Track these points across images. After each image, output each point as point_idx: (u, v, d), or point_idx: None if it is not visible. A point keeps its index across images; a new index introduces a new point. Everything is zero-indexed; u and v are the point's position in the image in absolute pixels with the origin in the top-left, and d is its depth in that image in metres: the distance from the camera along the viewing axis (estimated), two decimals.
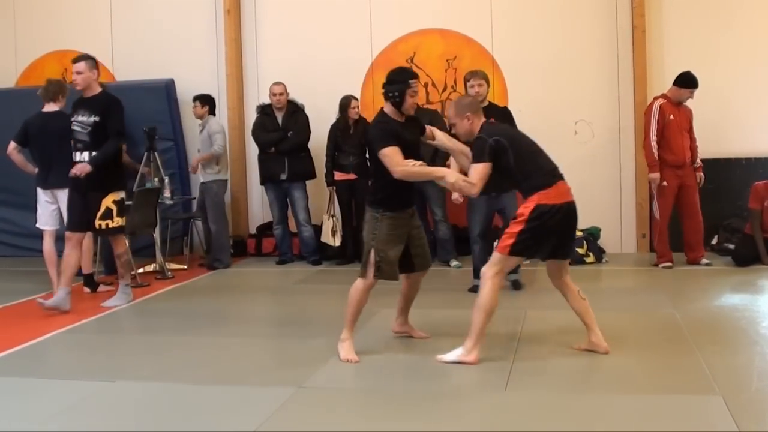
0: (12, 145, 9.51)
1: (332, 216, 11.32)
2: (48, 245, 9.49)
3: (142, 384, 6.04)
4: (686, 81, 10.25)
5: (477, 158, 6.28)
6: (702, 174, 10.44)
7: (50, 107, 9.49)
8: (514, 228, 6.24)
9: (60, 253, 9.47)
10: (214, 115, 11.42)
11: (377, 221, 6.49)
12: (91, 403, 5.68)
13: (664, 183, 10.32)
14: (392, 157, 6.32)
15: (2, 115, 12.17)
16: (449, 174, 6.40)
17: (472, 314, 6.25)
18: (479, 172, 6.23)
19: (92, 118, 8.63)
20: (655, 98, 10.47)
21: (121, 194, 8.90)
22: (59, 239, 9.45)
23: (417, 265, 6.82)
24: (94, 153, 8.58)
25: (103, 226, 8.77)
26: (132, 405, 5.62)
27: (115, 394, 5.86)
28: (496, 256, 6.31)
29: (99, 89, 8.82)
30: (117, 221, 8.80)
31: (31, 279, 10.50)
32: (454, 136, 6.82)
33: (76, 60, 8.78)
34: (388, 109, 6.52)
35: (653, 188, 10.45)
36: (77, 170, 8.51)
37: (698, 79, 10.18)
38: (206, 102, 11.31)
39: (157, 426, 5.16)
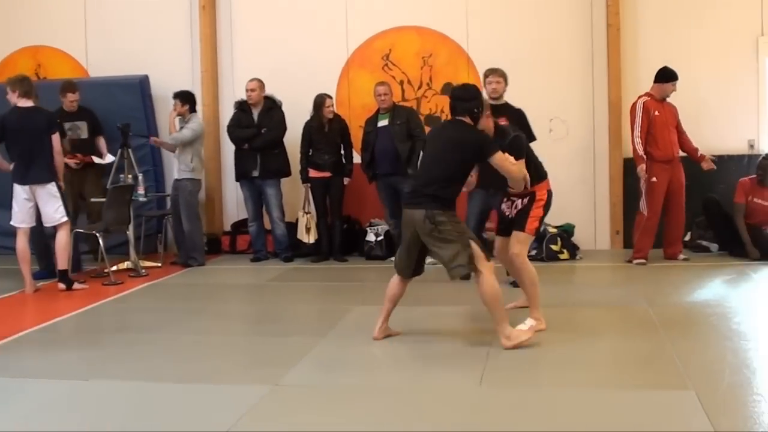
0: None
1: (307, 213, 11.32)
2: (22, 243, 9.43)
3: (116, 383, 6.01)
4: (667, 75, 10.42)
5: (519, 154, 6.91)
6: (710, 162, 10.67)
7: (25, 103, 9.44)
8: (538, 212, 7.12)
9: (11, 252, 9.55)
10: (194, 111, 11.27)
11: (455, 219, 6.58)
12: (64, 402, 5.65)
13: (654, 179, 10.38)
14: (506, 158, 6.70)
15: None
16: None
17: (526, 291, 7.11)
18: (522, 167, 6.89)
19: None
20: (639, 97, 10.57)
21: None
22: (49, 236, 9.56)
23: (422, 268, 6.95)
24: None
25: None
26: (106, 404, 5.59)
27: (88, 393, 5.82)
28: (525, 236, 7.14)
29: None
30: None
31: (3, 276, 10.43)
32: None
33: None
34: (468, 120, 6.71)
35: (642, 185, 10.49)
36: None
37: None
38: (187, 100, 11.14)
39: (131, 425, 5.13)
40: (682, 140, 10.57)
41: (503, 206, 7.32)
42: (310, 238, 11.32)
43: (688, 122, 10.66)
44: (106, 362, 6.63)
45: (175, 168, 11.12)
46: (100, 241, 10.19)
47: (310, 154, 11.16)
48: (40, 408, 5.49)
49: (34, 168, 9.35)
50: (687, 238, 11.06)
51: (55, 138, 9.55)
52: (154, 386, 5.89)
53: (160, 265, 11.07)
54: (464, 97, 6.75)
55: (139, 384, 5.96)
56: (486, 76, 9.38)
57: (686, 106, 10.70)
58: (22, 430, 5.09)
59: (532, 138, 9.18)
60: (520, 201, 7.17)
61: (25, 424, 5.17)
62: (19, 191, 9.39)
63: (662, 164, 10.42)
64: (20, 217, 9.43)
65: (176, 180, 11.11)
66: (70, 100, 11.09)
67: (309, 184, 11.24)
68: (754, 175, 10.54)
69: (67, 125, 11.05)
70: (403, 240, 6.82)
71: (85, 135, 11.15)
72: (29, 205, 9.40)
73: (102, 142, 11.38)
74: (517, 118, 9.05)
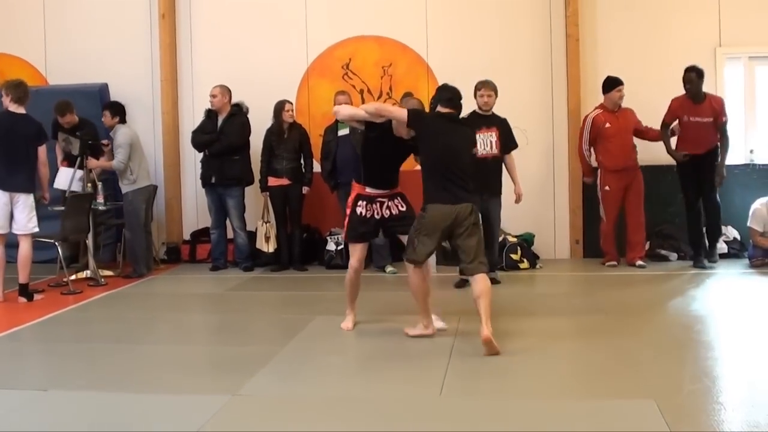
0: None
1: (266, 222, 11.28)
2: None
3: (75, 393, 5.97)
4: (610, 83, 10.71)
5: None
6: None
7: (17, 108, 9.39)
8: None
9: (10, 259, 9.47)
10: (124, 122, 11.09)
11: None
12: (22, 412, 5.59)
13: (607, 188, 10.71)
14: None
15: None
16: None
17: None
18: None
19: None
20: (594, 109, 10.86)
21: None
22: (8, 245, 9.46)
23: None
24: None
25: None
26: (64, 414, 5.54)
27: (47, 404, 5.77)
28: None
29: None
30: None
31: None
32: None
33: None
34: None
35: (599, 193, 10.82)
36: None
37: (621, 79, 10.67)
38: (116, 112, 10.96)
39: None
40: (647, 135, 10.80)
41: (364, 208, 7.41)
42: (269, 248, 11.28)
43: None
44: (64, 372, 6.57)
45: (120, 181, 10.98)
46: (59, 249, 10.10)
47: (270, 161, 11.12)
48: None
49: (18, 175, 9.30)
50: (646, 247, 11.13)
51: (42, 149, 9.53)
52: (113, 396, 5.85)
53: (120, 273, 10.96)
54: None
55: (98, 394, 5.91)
56: (477, 89, 9.67)
57: (644, 116, 10.80)
58: None
59: (516, 145, 9.87)
60: (391, 203, 7.44)
61: None
62: (0, 195, 9.27)
63: (616, 173, 10.67)
64: (0, 223, 9.32)
65: (123, 193, 10.99)
66: (66, 121, 11.00)
67: (268, 193, 11.20)
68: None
69: (62, 135, 11.00)
70: (432, 232, 6.91)
71: (75, 152, 11.00)
72: (7, 210, 9.30)
73: (93, 162, 10.89)
74: (503, 127, 9.74)
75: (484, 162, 9.44)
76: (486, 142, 9.54)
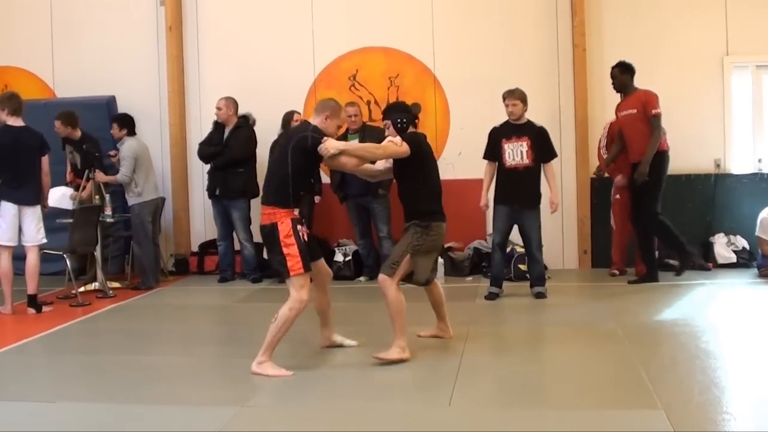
0: None
1: None
2: (6, 262, 9.38)
3: (83, 405, 5.98)
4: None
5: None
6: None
7: (15, 121, 9.45)
8: None
9: (18, 271, 9.51)
10: (133, 135, 11.13)
11: None
12: (30, 424, 5.60)
13: (617, 196, 10.81)
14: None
15: None
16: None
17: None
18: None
19: None
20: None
21: None
22: (16, 257, 9.52)
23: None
24: None
25: None
26: (72, 426, 5.53)
27: (55, 416, 5.77)
28: None
29: None
30: None
31: None
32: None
33: None
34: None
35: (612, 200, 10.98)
36: None
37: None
38: (124, 124, 11.02)
39: None
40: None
41: (303, 233, 6.72)
42: None
43: None
44: (72, 384, 6.58)
45: (126, 193, 11.02)
46: (68, 261, 10.12)
47: None
48: (7, 430, 5.43)
49: (25, 189, 9.39)
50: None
51: (45, 159, 9.62)
52: (122, 408, 5.85)
53: (128, 285, 10.96)
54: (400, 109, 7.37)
55: (106, 406, 5.92)
56: (504, 98, 9.58)
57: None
58: None
59: (553, 155, 9.65)
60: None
61: None
62: (9, 208, 9.33)
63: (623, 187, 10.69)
64: (8, 235, 9.34)
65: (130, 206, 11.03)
66: (71, 134, 11.02)
67: None
68: None
69: (69, 148, 11.17)
70: (435, 250, 7.16)
71: (79, 165, 11.08)
72: (16, 222, 9.36)
73: (99, 176, 10.92)
74: (536, 136, 9.49)
75: (514, 172, 9.41)
76: (516, 152, 9.43)
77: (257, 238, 11.36)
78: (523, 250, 10.79)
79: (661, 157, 9.98)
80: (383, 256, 10.78)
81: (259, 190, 11.31)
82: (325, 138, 6.63)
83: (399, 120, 7.14)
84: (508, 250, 10.77)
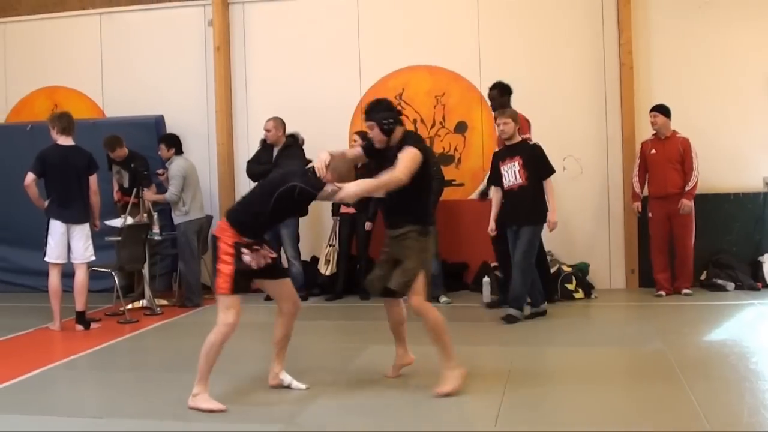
0: (31, 176, 9.44)
1: (330, 245, 11.36)
2: (55, 279, 9.49)
3: (130, 421, 6.02)
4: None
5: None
6: (685, 201, 10.57)
7: (66, 141, 9.56)
8: None
9: (66, 288, 9.57)
10: (181, 153, 11.28)
11: None
12: None
13: (650, 214, 10.84)
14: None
15: None
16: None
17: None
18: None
19: None
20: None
21: None
22: (64, 275, 9.58)
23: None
24: None
25: None
26: None
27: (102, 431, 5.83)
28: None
29: None
30: None
31: (22, 314, 10.52)
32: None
33: None
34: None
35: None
36: None
37: (659, 105, 10.73)
38: (171, 144, 11.16)
39: None
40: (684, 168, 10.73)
41: (249, 257, 6.38)
42: (327, 271, 11.34)
43: (701, 160, 10.64)
44: (120, 400, 6.63)
45: (173, 212, 11.13)
46: (116, 279, 10.22)
47: None
48: None
49: (73, 207, 9.51)
50: (703, 276, 11.04)
51: (93, 178, 9.73)
52: (168, 425, 5.90)
53: (175, 303, 11.03)
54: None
55: (153, 422, 5.97)
56: (495, 119, 9.60)
57: (700, 144, 10.73)
58: None
59: (550, 171, 9.46)
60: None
61: None
62: (58, 226, 9.45)
63: (658, 200, 10.77)
64: (56, 253, 9.47)
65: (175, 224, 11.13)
66: (117, 155, 11.19)
67: (338, 218, 11.30)
68: None
69: (115, 168, 11.38)
70: (433, 253, 6.81)
71: (126, 184, 11.24)
72: (64, 240, 9.47)
73: (148, 195, 11.03)
74: (529, 155, 9.34)
75: (510, 192, 9.45)
76: (510, 173, 9.41)
77: (305, 255, 11.47)
78: (569, 269, 10.78)
79: None
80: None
81: (308, 208, 11.41)
82: (337, 187, 6.27)
83: (386, 121, 6.54)
84: (555, 269, 10.74)
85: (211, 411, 6.08)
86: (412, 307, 6.48)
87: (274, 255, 6.66)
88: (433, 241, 6.72)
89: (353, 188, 6.29)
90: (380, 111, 6.60)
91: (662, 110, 10.70)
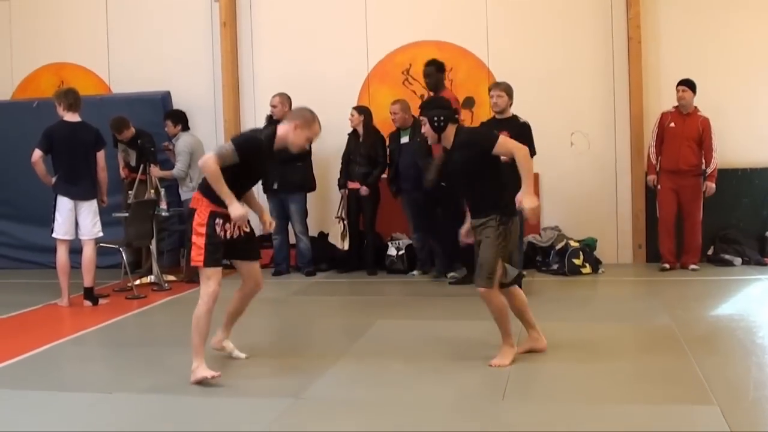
0: (38, 153, 9.41)
1: (342, 219, 11.35)
2: (63, 255, 9.50)
3: (139, 396, 6.04)
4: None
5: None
6: (709, 184, 10.63)
7: (73, 117, 9.53)
8: None
9: (74, 264, 9.60)
10: (188, 129, 11.35)
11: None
12: (88, 415, 5.67)
13: (659, 187, 10.80)
14: None
15: None
16: None
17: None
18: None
19: None
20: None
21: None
22: (72, 251, 9.61)
23: None
24: None
25: None
26: (128, 417, 5.61)
27: (112, 406, 5.85)
28: None
29: None
30: None
31: (29, 291, 10.54)
32: None
33: None
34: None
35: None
36: None
37: (687, 80, 10.67)
38: (178, 120, 11.23)
39: None
40: (705, 156, 10.71)
41: (220, 227, 6.45)
42: (344, 245, 11.33)
43: None
44: (129, 376, 6.65)
45: (180, 188, 11.16)
46: (123, 255, 10.24)
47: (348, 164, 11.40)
48: (65, 421, 5.52)
49: (81, 184, 9.49)
50: (710, 252, 11.03)
51: (101, 155, 9.72)
52: (177, 399, 5.92)
53: (177, 279, 11.03)
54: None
55: (162, 397, 5.99)
56: (489, 90, 9.47)
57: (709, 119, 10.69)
58: None
59: (534, 152, 9.07)
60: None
61: None
62: (65, 203, 9.44)
63: (668, 174, 10.75)
64: (64, 229, 9.46)
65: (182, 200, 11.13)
66: (124, 137, 11.19)
67: (345, 191, 11.31)
68: None
69: (121, 146, 11.40)
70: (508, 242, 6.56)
71: (132, 162, 11.25)
72: (72, 216, 9.48)
73: (155, 171, 11.08)
74: (518, 131, 9.01)
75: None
76: None
77: (313, 231, 11.48)
78: (577, 244, 10.77)
79: None
80: (435, 251, 10.80)
81: (316, 184, 11.45)
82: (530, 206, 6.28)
83: (436, 118, 6.58)
84: (562, 244, 10.75)
85: (205, 378, 6.10)
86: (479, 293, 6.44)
87: (248, 229, 6.73)
88: (517, 223, 6.57)
89: (533, 202, 6.35)
90: (433, 108, 6.70)
91: (690, 85, 10.60)
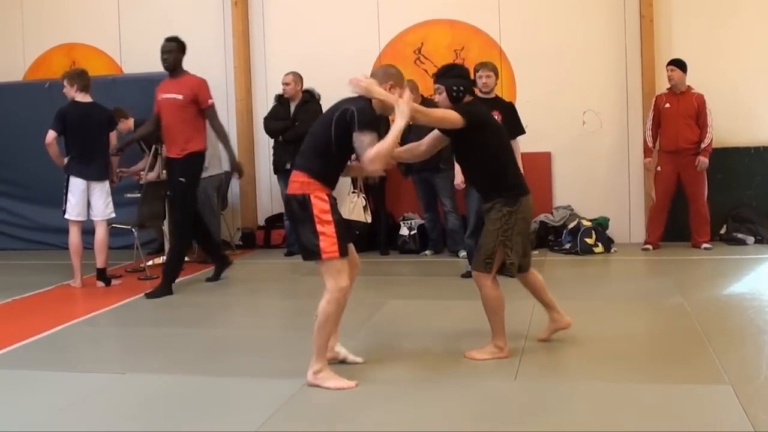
0: (52, 134, 9.39)
1: (360, 194, 11.30)
2: (75, 236, 9.53)
3: (152, 376, 6.06)
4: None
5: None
6: (702, 158, 10.56)
7: (84, 97, 9.54)
8: None
9: (86, 245, 9.63)
10: None
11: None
12: (100, 395, 5.70)
13: (658, 168, 10.84)
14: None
15: (11, 108, 12.30)
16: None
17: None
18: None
19: None
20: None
21: None
22: (84, 231, 9.65)
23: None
24: None
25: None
26: (141, 398, 5.63)
27: (124, 387, 5.87)
28: None
29: None
30: None
31: (42, 272, 10.58)
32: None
33: None
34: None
35: (651, 174, 10.99)
36: None
37: (676, 60, 10.73)
38: None
39: (165, 418, 5.17)
40: (700, 133, 10.71)
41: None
42: (367, 218, 11.25)
43: (721, 114, 10.62)
44: (142, 356, 6.68)
45: None
46: (135, 235, 10.27)
47: None
48: (76, 401, 5.55)
49: (94, 164, 9.52)
50: (722, 231, 11.01)
51: (112, 135, 9.77)
52: (189, 380, 5.93)
53: (189, 259, 11.01)
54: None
55: (174, 377, 6.00)
56: (477, 70, 9.20)
57: (720, 98, 10.69)
58: (57, 424, 5.12)
59: (521, 131, 9.10)
60: None
61: (60, 418, 5.21)
62: (78, 184, 9.46)
63: (668, 154, 10.78)
64: (77, 210, 9.49)
65: None
66: (121, 128, 11.16)
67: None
68: None
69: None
70: (526, 230, 6.30)
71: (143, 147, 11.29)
72: (84, 197, 9.51)
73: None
74: (507, 111, 9.03)
75: None
76: None
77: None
78: (589, 223, 10.77)
79: (201, 156, 9.50)
80: (448, 230, 10.81)
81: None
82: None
83: (456, 87, 6.05)
84: (574, 224, 10.75)
85: (340, 389, 5.56)
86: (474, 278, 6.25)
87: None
88: (526, 208, 6.15)
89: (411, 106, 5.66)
90: (451, 77, 6.14)
91: (679, 64, 10.64)
